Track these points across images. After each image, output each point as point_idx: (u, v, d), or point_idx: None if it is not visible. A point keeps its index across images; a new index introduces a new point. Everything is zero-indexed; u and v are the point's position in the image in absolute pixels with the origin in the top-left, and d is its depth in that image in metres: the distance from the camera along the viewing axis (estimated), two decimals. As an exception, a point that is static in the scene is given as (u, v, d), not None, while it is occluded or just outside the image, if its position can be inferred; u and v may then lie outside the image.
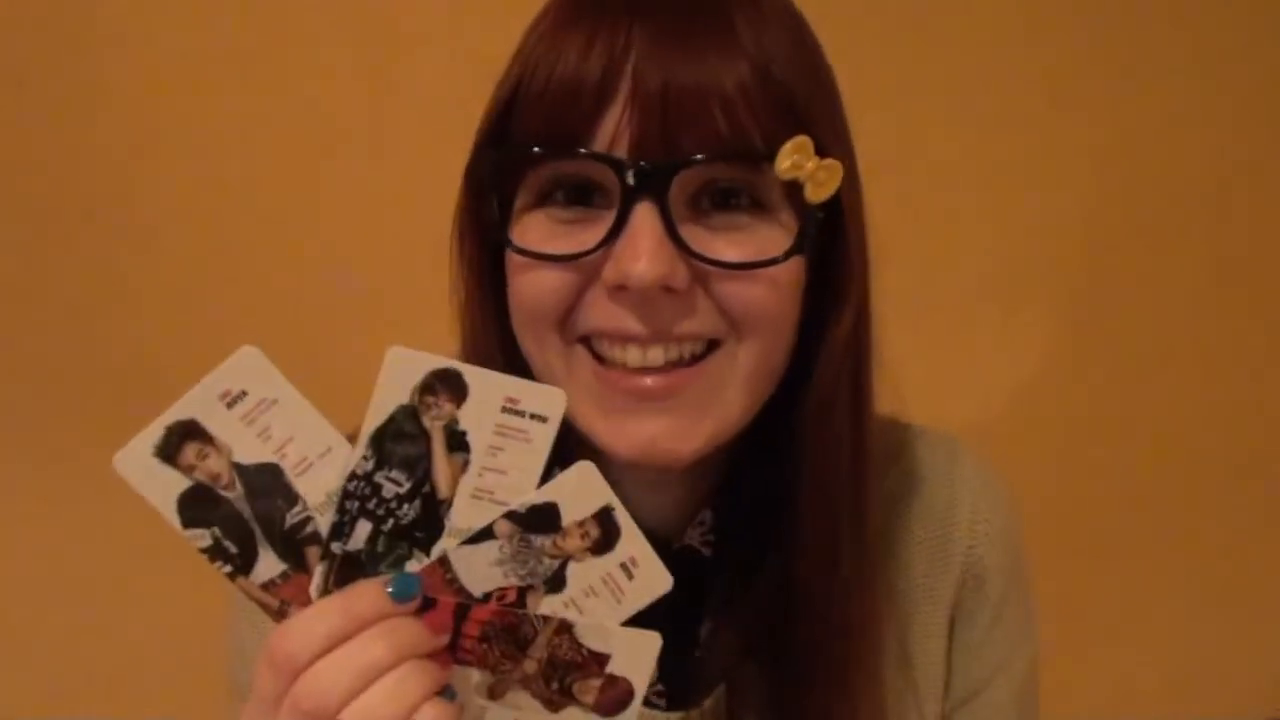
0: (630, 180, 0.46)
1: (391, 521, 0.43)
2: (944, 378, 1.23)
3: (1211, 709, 1.30)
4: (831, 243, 0.51)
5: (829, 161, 0.48)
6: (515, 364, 0.53)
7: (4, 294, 1.02)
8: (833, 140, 0.50)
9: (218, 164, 1.04)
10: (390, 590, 0.41)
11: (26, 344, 1.03)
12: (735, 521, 0.56)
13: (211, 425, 0.43)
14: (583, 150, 0.46)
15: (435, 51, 1.07)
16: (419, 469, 0.43)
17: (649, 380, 0.48)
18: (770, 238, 0.49)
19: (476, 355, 0.54)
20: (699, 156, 0.46)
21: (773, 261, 0.48)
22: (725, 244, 0.48)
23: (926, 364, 1.23)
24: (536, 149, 0.47)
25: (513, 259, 0.50)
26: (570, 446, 0.48)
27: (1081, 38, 1.21)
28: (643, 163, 0.46)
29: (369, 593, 0.41)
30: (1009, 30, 1.19)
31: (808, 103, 0.49)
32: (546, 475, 0.43)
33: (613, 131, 0.46)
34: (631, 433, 0.49)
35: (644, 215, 0.46)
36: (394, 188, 1.07)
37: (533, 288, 0.49)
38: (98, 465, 1.13)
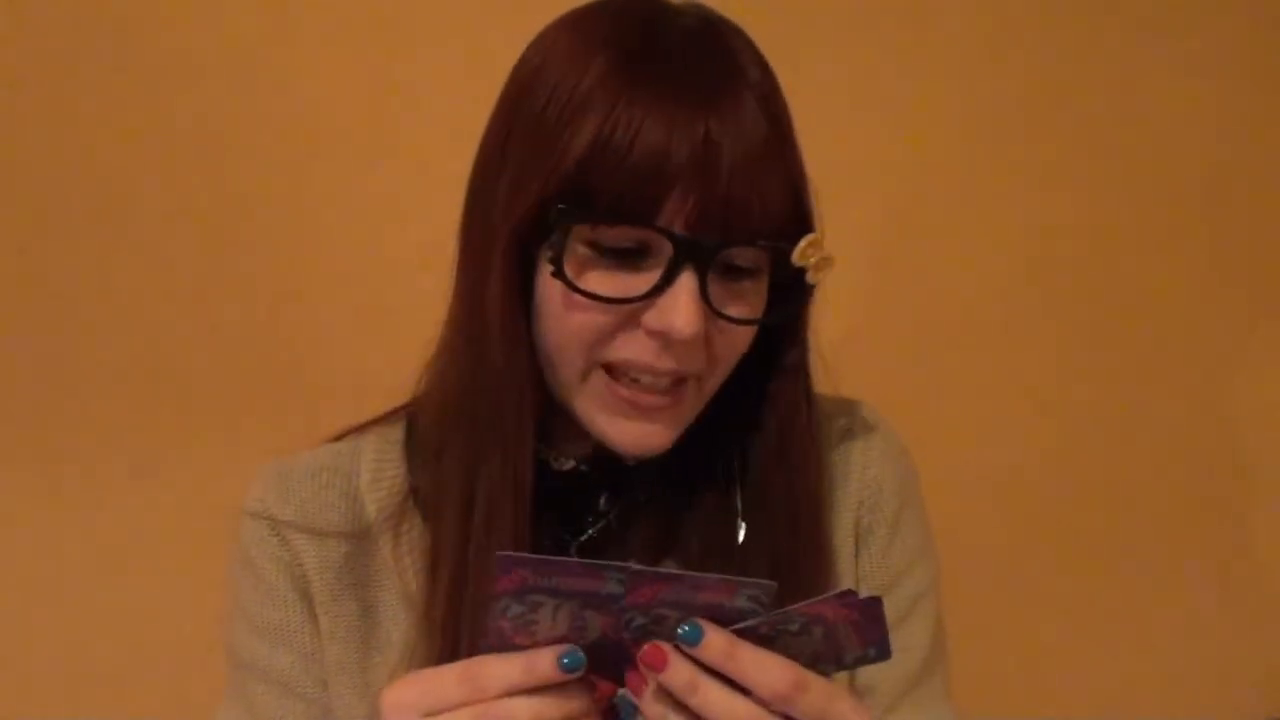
0: (683, 252, 0.57)
1: None
2: (945, 377, 1.24)
3: (1211, 709, 1.30)
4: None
5: (829, 255, 0.61)
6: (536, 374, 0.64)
7: (4, 294, 1.02)
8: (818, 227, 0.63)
9: (218, 164, 1.05)
10: (564, 661, 0.49)
11: (26, 344, 1.03)
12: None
13: None
14: (658, 225, 0.57)
15: (436, 52, 1.07)
16: None
17: (647, 399, 0.62)
18: (760, 296, 0.63)
19: (513, 364, 0.63)
20: (738, 241, 0.58)
21: (770, 320, 0.63)
22: (734, 302, 0.61)
23: (928, 363, 1.23)
24: (618, 216, 0.57)
25: (561, 290, 0.59)
26: (564, 426, 0.65)
27: (1082, 37, 1.21)
28: (698, 241, 0.57)
29: (547, 657, 0.49)
30: (1009, 30, 1.20)
31: (806, 194, 0.63)
32: None
33: (676, 206, 0.56)
34: (625, 431, 0.63)
35: (687, 279, 0.58)
36: (394, 188, 1.08)
37: (580, 321, 0.60)
38: (98, 465, 1.13)
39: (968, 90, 1.19)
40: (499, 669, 0.49)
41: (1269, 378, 1.29)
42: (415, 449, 0.70)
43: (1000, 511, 1.24)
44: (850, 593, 0.48)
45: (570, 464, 0.68)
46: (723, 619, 0.49)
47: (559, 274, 0.58)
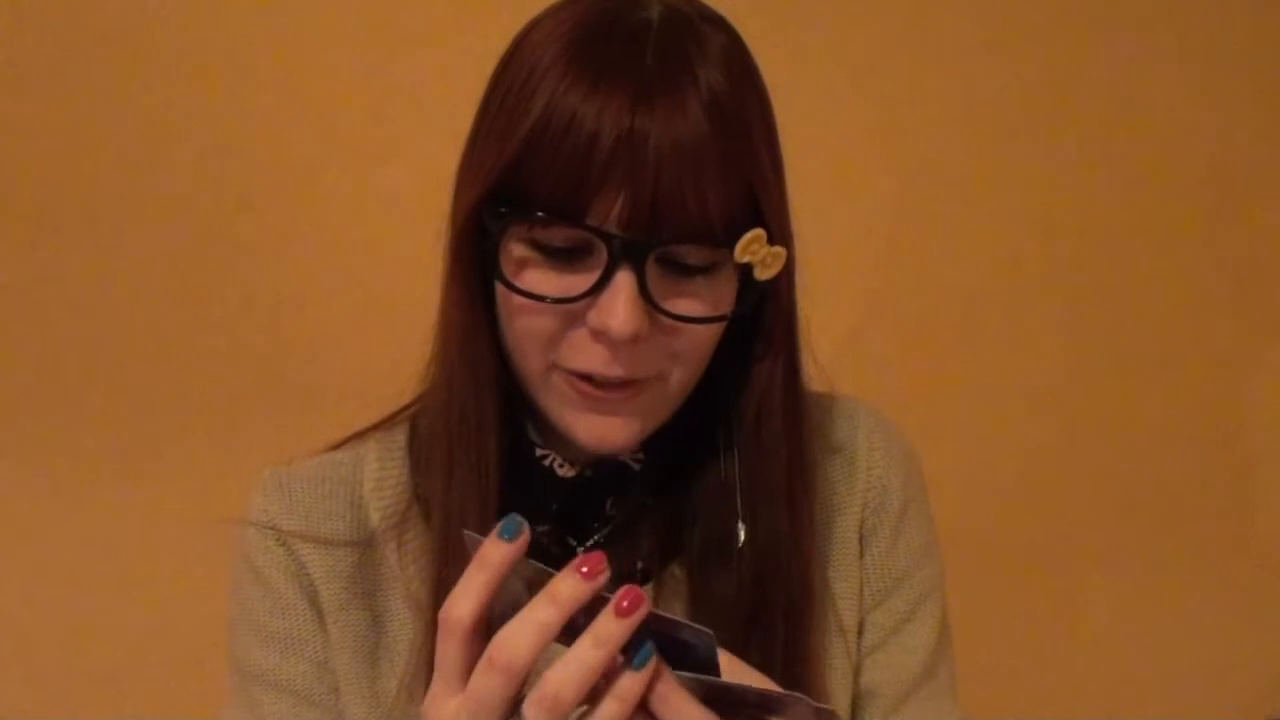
0: (617, 250, 0.56)
1: None
2: (946, 377, 1.24)
3: (1211, 709, 1.30)
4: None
5: (776, 249, 0.59)
6: (503, 363, 0.65)
7: (4, 294, 1.02)
8: (778, 224, 0.61)
9: (218, 164, 1.05)
10: (505, 534, 0.48)
11: (26, 344, 1.03)
12: (662, 447, 0.68)
13: None
14: (588, 223, 0.56)
15: (436, 52, 1.07)
16: None
17: (607, 395, 0.61)
18: (719, 293, 0.61)
19: (472, 363, 0.63)
20: (673, 239, 0.57)
21: (723, 318, 0.61)
22: (684, 300, 0.60)
23: (928, 364, 1.23)
24: (548, 214, 0.57)
25: (509, 293, 0.59)
26: (537, 427, 0.67)
27: (1082, 37, 1.21)
28: (629, 239, 0.56)
29: (496, 550, 0.47)
30: (1009, 31, 1.20)
31: (766, 192, 0.60)
32: None
33: (609, 203, 0.56)
34: (588, 426, 0.62)
35: (624, 278, 0.57)
36: (394, 188, 1.08)
37: (527, 321, 0.60)
38: (97, 465, 1.14)
39: (968, 89, 1.19)
40: (515, 635, 0.46)
41: (1269, 378, 1.29)
42: (418, 453, 0.70)
43: (999, 511, 1.24)
44: (798, 697, 0.47)
45: (575, 470, 0.68)
46: (678, 651, 0.48)
47: (498, 274, 0.59)
